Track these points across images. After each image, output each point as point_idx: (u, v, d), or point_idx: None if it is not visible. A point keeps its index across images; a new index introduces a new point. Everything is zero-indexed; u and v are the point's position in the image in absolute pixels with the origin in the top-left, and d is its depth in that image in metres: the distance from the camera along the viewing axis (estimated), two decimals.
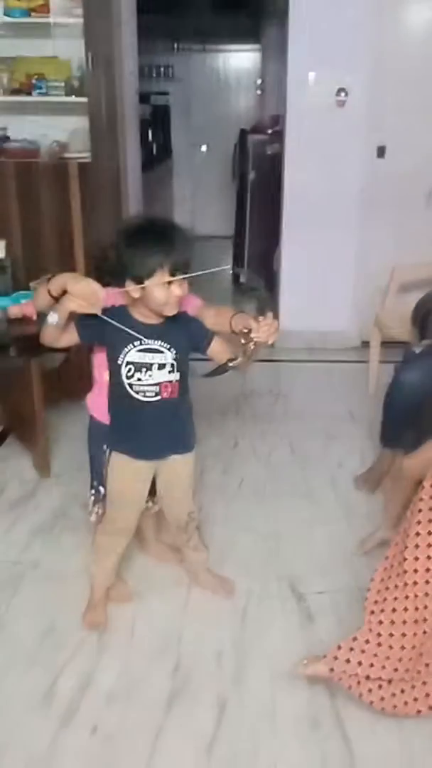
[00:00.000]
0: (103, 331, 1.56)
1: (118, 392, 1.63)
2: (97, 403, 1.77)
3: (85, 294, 1.46)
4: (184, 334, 1.56)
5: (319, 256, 3.77)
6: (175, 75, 7.67)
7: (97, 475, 1.86)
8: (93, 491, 1.91)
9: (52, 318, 1.51)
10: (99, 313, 1.49)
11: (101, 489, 1.85)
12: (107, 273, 1.63)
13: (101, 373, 1.70)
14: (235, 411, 3.19)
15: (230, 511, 2.41)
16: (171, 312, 1.53)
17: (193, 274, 1.51)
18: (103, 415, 1.76)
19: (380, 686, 1.43)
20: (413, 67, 3.49)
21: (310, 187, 3.68)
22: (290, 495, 2.53)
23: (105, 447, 1.74)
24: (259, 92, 6.96)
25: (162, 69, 7.63)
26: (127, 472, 1.71)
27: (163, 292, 1.48)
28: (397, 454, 2.52)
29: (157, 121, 6.50)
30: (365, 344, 3.82)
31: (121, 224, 1.64)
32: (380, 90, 3.49)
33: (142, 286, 1.47)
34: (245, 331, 1.40)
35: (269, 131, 5.27)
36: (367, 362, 3.39)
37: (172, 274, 1.47)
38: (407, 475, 1.93)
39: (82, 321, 1.57)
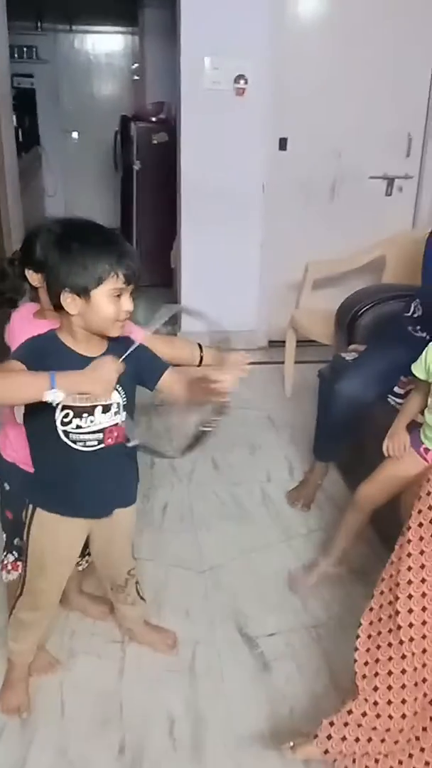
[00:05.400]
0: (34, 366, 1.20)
1: (44, 440, 1.30)
2: (15, 446, 1.45)
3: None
4: (130, 364, 1.27)
5: (222, 253, 3.56)
6: (39, 56, 7.15)
7: (15, 532, 1.54)
8: (7, 553, 1.59)
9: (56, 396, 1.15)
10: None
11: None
12: (8, 290, 1.35)
13: (15, 411, 1.39)
14: (145, 425, 2.91)
15: (158, 543, 2.15)
16: (117, 333, 1.24)
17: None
18: (22, 460, 1.44)
19: (377, 760, 1.25)
20: (316, 53, 3.36)
21: (209, 180, 3.45)
22: (221, 518, 2.31)
23: (27, 501, 1.41)
24: (136, 77, 6.61)
25: (24, 49, 7.07)
26: (56, 534, 1.39)
27: (112, 305, 1.19)
28: (329, 467, 2.40)
29: (22, 106, 6.00)
30: (272, 344, 3.70)
31: (43, 229, 1.33)
32: (282, 78, 3.32)
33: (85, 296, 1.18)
34: (211, 381, 1.20)
35: (153, 119, 5.00)
36: (278, 363, 3.25)
37: (126, 285, 1.20)
38: (361, 502, 1.79)
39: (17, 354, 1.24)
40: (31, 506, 1.38)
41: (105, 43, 7.28)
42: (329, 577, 1.94)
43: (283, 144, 3.45)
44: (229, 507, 2.38)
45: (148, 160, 4.87)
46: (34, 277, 1.37)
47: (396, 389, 2.10)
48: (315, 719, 1.56)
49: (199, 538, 2.20)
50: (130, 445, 1.21)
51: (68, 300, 1.18)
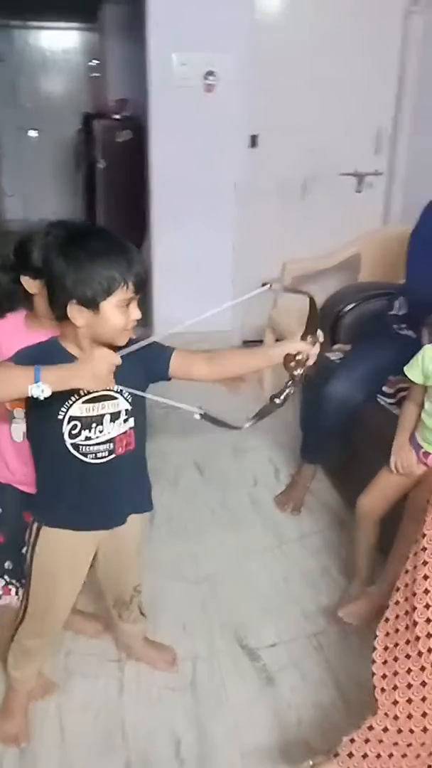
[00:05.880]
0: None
1: (52, 456, 1.24)
2: (11, 467, 1.37)
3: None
4: (137, 365, 1.20)
5: (194, 251, 3.50)
6: None
7: (6, 555, 1.46)
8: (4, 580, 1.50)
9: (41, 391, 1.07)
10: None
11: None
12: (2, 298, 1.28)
13: (13, 430, 1.32)
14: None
15: (150, 554, 2.07)
16: (124, 341, 1.18)
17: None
18: (20, 480, 1.37)
19: None
20: (286, 49, 3.31)
21: (180, 178, 3.39)
22: (211, 525, 2.26)
23: (32, 520, 1.34)
24: (96, 74, 6.48)
25: None
26: (66, 550, 1.33)
27: (121, 315, 1.13)
28: (317, 468, 2.38)
29: None
30: (246, 343, 3.66)
31: (39, 233, 1.26)
32: (252, 74, 3.27)
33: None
34: (295, 355, 1.20)
35: (117, 116, 4.90)
36: None
37: (135, 294, 1.14)
38: (365, 514, 1.76)
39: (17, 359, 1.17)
40: (35, 525, 1.31)
41: (61, 40, 7.14)
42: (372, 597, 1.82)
43: (254, 141, 3.41)
44: (219, 513, 2.33)
45: (112, 159, 4.77)
46: (31, 284, 1.29)
47: (385, 389, 2.09)
48: (323, 730, 1.54)
49: (192, 546, 2.15)
50: (196, 417, 1.16)
51: (74, 311, 1.12)
